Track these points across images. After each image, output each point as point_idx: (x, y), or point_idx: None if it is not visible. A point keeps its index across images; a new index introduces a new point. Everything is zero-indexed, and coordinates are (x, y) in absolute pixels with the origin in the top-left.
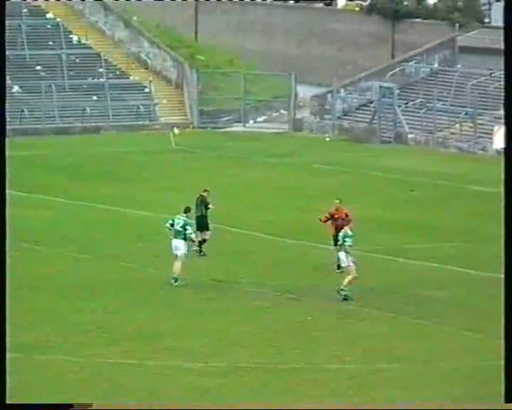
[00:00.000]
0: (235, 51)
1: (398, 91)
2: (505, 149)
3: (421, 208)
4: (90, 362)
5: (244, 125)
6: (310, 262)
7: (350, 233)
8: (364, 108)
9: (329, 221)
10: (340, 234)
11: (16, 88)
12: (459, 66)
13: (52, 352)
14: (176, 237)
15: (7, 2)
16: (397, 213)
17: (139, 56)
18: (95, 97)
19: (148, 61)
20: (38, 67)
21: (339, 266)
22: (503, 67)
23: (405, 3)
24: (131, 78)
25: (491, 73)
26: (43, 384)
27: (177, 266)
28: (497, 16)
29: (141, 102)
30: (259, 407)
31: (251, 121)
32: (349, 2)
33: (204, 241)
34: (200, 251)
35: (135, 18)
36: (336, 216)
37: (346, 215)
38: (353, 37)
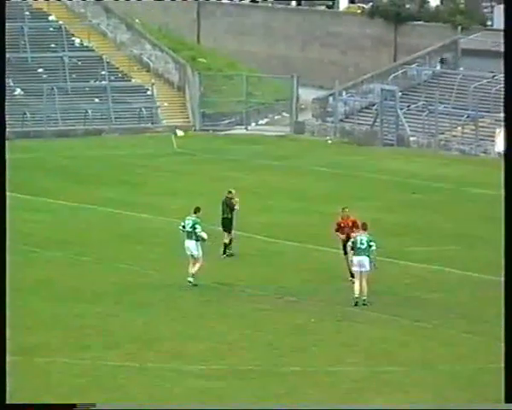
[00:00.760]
0: (237, 54)
1: (400, 94)
2: (505, 151)
3: (423, 211)
4: (91, 365)
5: (246, 128)
6: (311, 265)
7: (372, 238)
8: (366, 110)
9: (338, 231)
10: (362, 239)
11: (18, 91)
12: (461, 68)
13: (53, 355)
14: (188, 238)
15: (9, 5)
16: (398, 216)
17: (141, 59)
18: (97, 100)
19: (150, 64)
20: (40, 70)
21: (352, 275)
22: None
23: (407, 6)
24: (133, 80)
25: (494, 76)
26: (45, 387)
27: (195, 266)
28: (499, 19)
29: (143, 104)
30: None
31: (253, 124)
32: (351, 5)
33: (230, 242)
34: (225, 251)
35: (137, 21)
36: (342, 225)
37: (354, 223)
38: (355, 39)
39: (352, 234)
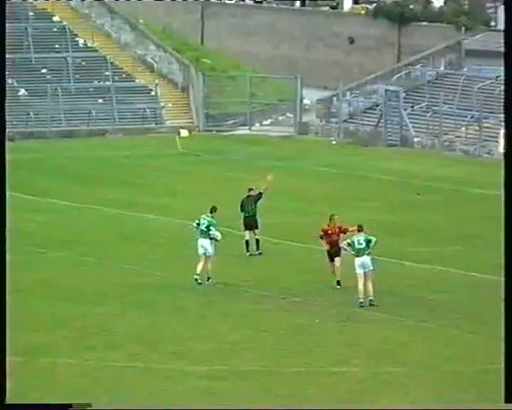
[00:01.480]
0: (241, 55)
1: (404, 95)
2: (505, 151)
3: (426, 212)
4: (95, 366)
5: (250, 129)
6: (314, 266)
7: (371, 237)
8: (370, 111)
9: (323, 239)
10: (359, 239)
11: (22, 91)
12: (465, 69)
13: (57, 355)
14: (202, 237)
15: (13, 5)
16: (402, 217)
17: (145, 59)
18: (100, 100)
19: (154, 65)
20: (44, 70)
21: (338, 283)
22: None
23: (411, 7)
24: (137, 81)
25: (498, 77)
26: (48, 387)
27: (208, 264)
28: (503, 19)
29: (147, 105)
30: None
31: (257, 125)
32: (355, 6)
33: (257, 241)
34: (258, 248)
35: (141, 21)
36: (330, 232)
37: (340, 228)
38: (359, 40)
39: (340, 241)
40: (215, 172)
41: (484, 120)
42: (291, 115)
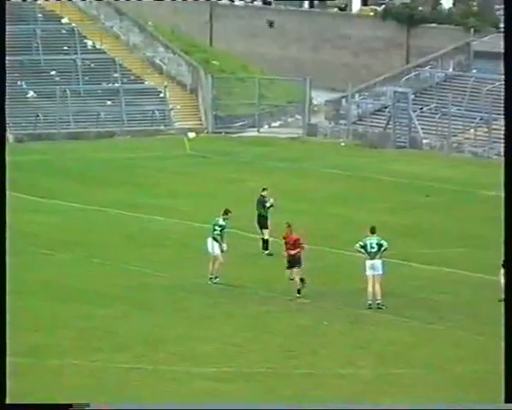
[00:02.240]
0: (250, 56)
1: (412, 96)
2: (505, 152)
3: (435, 213)
4: (101, 367)
5: (258, 131)
6: (320, 267)
7: (383, 242)
8: (379, 113)
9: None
10: (372, 243)
11: (31, 93)
12: (474, 71)
13: (62, 356)
14: (212, 238)
15: (22, 7)
16: (409, 218)
17: (154, 61)
18: (109, 102)
19: (163, 66)
20: (53, 72)
21: (298, 291)
22: None
23: (420, 8)
24: (146, 83)
25: None
26: (55, 388)
27: (216, 264)
28: None
29: (155, 107)
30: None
31: (265, 126)
32: (364, 8)
33: (266, 241)
34: (267, 247)
35: (150, 23)
36: (286, 241)
37: (296, 241)
38: (368, 42)
39: (291, 251)
40: (223, 174)
41: (493, 122)
42: (300, 117)
